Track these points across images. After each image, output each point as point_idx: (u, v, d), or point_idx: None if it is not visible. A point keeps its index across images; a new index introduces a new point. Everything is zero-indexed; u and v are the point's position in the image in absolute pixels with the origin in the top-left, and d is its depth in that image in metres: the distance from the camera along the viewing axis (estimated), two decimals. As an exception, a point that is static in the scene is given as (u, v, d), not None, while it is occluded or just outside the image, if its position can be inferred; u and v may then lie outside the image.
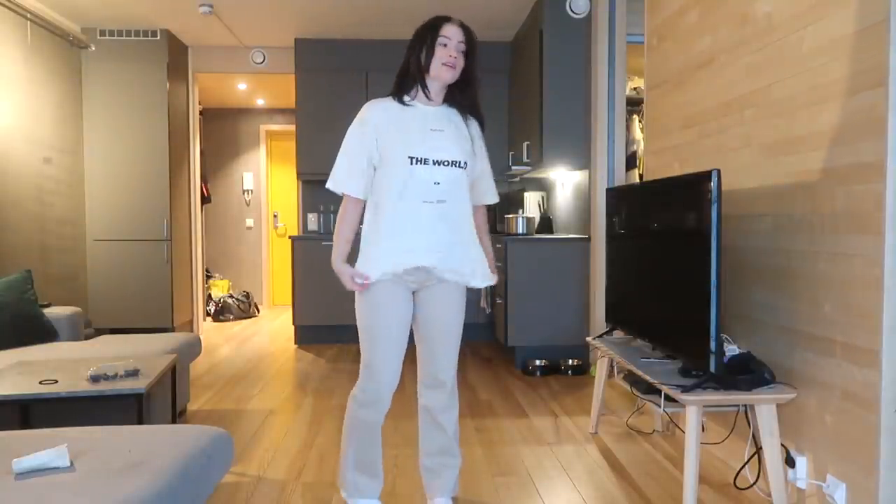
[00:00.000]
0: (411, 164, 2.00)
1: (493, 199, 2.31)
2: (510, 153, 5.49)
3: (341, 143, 2.24)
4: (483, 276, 2.13)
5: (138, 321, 5.38)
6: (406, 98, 2.11)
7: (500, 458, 2.73)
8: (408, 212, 2.01)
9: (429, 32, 2.05)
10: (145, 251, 5.38)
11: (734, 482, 2.44)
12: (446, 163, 2.03)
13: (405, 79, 2.10)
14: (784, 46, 2.15)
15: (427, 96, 2.09)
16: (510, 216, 4.76)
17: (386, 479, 2.51)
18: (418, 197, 2.01)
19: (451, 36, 2.03)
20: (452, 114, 2.13)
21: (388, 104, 2.10)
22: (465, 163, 2.07)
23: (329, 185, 2.13)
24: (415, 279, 2.08)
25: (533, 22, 4.69)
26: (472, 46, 2.07)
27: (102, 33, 5.30)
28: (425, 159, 2.01)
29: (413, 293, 2.15)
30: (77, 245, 5.19)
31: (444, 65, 2.01)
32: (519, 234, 4.66)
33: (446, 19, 2.05)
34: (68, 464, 1.46)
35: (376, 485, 2.19)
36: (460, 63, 2.05)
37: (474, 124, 2.19)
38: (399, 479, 2.51)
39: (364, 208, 2.13)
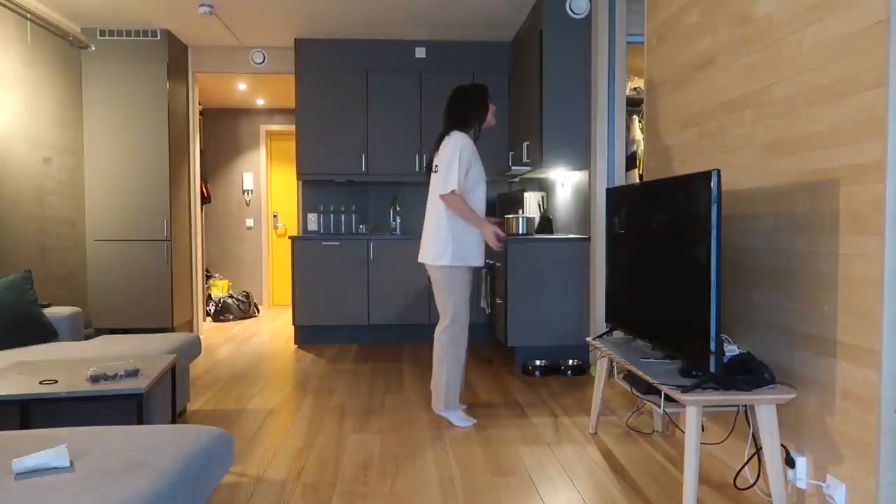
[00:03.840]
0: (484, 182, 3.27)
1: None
2: (510, 153, 5.49)
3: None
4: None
5: (138, 321, 5.38)
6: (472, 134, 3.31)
7: (500, 458, 2.73)
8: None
9: (486, 100, 3.27)
10: (145, 251, 5.38)
11: (734, 482, 2.44)
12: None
13: (474, 123, 3.28)
14: (784, 46, 2.15)
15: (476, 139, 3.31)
16: (510, 216, 4.76)
17: (385, 479, 2.51)
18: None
19: (492, 107, 3.32)
20: None
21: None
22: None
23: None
24: None
25: (533, 22, 4.69)
26: None
27: (102, 33, 5.30)
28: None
29: None
30: (77, 245, 5.20)
31: (490, 127, 3.33)
32: (519, 234, 4.66)
33: (487, 87, 3.32)
34: (68, 464, 1.46)
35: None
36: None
37: None
38: (399, 479, 2.51)
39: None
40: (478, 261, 3.23)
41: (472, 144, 3.19)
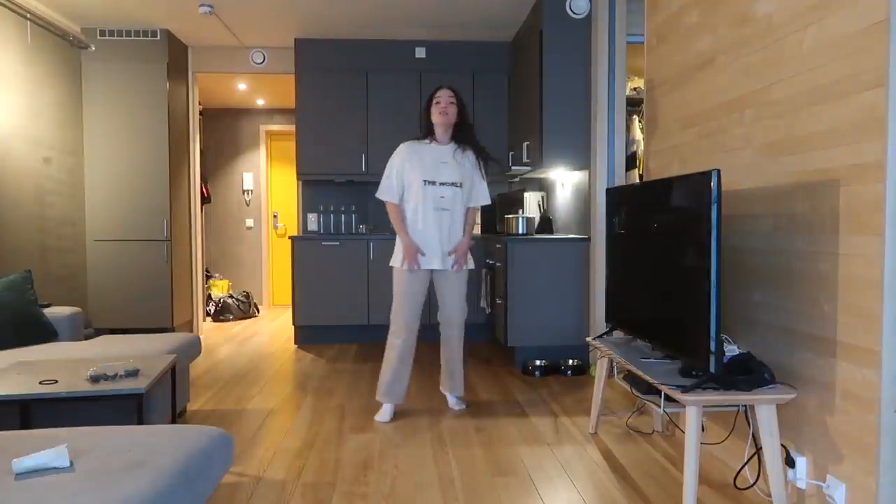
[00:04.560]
0: (424, 184, 3.23)
1: (486, 201, 3.44)
2: (510, 153, 5.49)
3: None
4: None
5: (138, 321, 5.38)
6: (426, 140, 3.32)
7: (500, 458, 2.73)
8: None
9: (429, 99, 3.27)
10: (145, 251, 5.38)
11: (734, 482, 2.44)
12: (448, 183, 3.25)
13: (426, 127, 3.33)
14: (784, 46, 2.15)
15: (438, 139, 3.31)
16: (510, 216, 4.76)
17: (385, 479, 2.51)
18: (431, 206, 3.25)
19: (441, 97, 3.24)
20: (456, 150, 3.30)
21: (411, 145, 3.30)
22: (461, 183, 3.28)
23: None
24: None
25: (533, 22, 4.69)
26: (459, 99, 3.28)
27: (102, 33, 5.30)
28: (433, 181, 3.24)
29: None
30: (77, 245, 5.20)
31: (439, 114, 3.23)
32: (519, 234, 4.66)
33: (438, 88, 3.28)
34: (68, 464, 1.46)
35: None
36: (452, 112, 3.24)
37: (470, 156, 3.34)
38: (399, 479, 2.51)
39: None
40: (413, 264, 3.22)
41: (403, 151, 3.26)
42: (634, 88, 5.01)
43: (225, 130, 7.75)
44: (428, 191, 3.20)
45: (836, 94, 1.90)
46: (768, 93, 2.25)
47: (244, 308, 6.96)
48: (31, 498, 1.30)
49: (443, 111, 3.20)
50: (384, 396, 3.29)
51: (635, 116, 4.84)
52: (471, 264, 3.35)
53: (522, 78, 5.05)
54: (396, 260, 3.27)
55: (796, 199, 2.10)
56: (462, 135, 3.31)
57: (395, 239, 5.27)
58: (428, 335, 5.38)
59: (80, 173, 5.25)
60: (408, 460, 2.71)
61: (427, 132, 3.31)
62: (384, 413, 3.26)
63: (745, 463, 2.40)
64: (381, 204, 5.98)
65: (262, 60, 5.83)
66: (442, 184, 3.21)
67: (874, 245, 1.76)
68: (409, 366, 3.30)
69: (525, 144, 4.89)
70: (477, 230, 5.78)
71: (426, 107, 3.29)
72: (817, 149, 1.99)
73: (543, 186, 5.62)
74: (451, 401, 3.45)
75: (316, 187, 5.94)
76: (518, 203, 5.17)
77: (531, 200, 5.29)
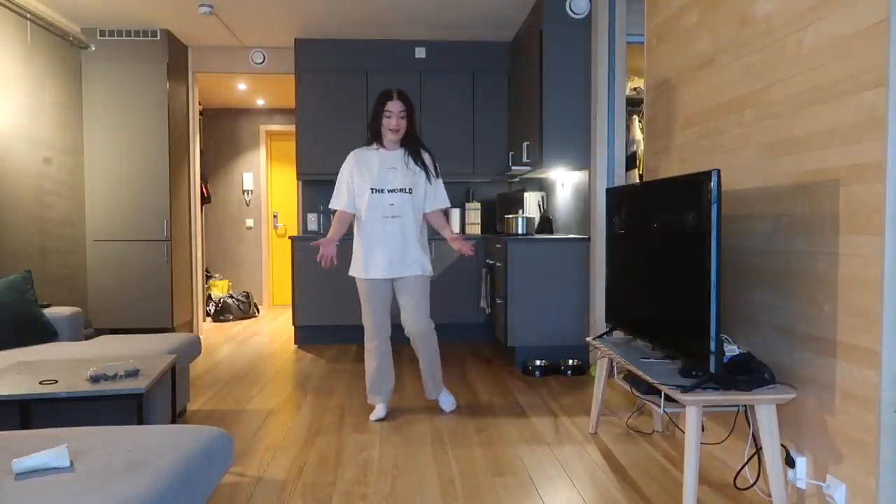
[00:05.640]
0: (371, 193, 3.19)
1: (446, 204, 3.37)
2: (510, 153, 5.49)
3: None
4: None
5: (138, 321, 5.38)
6: (374, 146, 3.27)
7: (500, 458, 2.73)
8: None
9: (379, 106, 3.18)
10: (145, 251, 5.38)
11: (734, 482, 2.44)
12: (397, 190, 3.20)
13: (373, 134, 3.26)
14: (784, 46, 2.15)
15: (385, 146, 3.25)
16: (510, 216, 4.76)
17: (385, 479, 2.51)
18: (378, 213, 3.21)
19: (392, 109, 3.14)
20: (405, 155, 3.24)
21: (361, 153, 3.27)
22: (410, 189, 3.22)
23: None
24: None
25: (533, 22, 4.69)
26: (410, 111, 3.19)
27: (102, 33, 5.30)
28: (381, 189, 3.19)
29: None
30: (77, 245, 5.20)
31: (390, 130, 3.17)
32: (519, 234, 4.66)
33: (389, 96, 3.15)
34: (68, 464, 1.46)
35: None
36: (402, 126, 3.17)
37: (427, 157, 3.29)
38: (399, 479, 2.51)
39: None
40: (363, 273, 3.20)
41: (351, 161, 3.23)
42: (634, 88, 5.01)
43: (225, 130, 7.75)
44: (375, 199, 3.17)
45: (836, 94, 1.90)
46: (768, 93, 2.25)
47: (244, 308, 6.96)
48: (31, 498, 1.30)
49: (395, 129, 3.15)
50: (373, 397, 3.34)
51: (635, 116, 4.84)
52: (428, 270, 3.26)
53: (522, 78, 5.05)
54: (355, 269, 3.26)
55: (796, 199, 2.10)
56: (411, 142, 3.25)
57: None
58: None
59: (80, 173, 5.25)
60: (408, 460, 2.71)
61: (374, 138, 3.25)
62: (377, 412, 3.30)
63: (745, 463, 2.40)
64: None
65: (262, 60, 5.83)
66: (390, 191, 3.17)
67: (874, 245, 1.76)
68: (389, 365, 3.32)
69: (525, 144, 4.89)
70: (477, 230, 5.78)
71: (374, 113, 3.20)
72: (817, 149, 1.99)
73: (543, 186, 5.62)
74: (442, 403, 3.42)
75: (316, 187, 5.94)
76: (518, 203, 5.17)
77: (531, 200, 5.29)
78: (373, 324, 3.26)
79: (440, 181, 3.35)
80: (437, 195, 3.32)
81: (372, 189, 3.18)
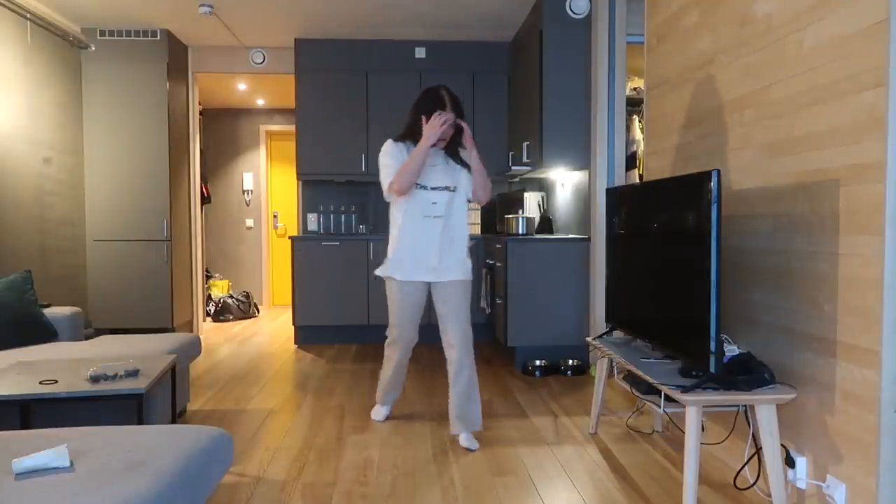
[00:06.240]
0: (416, 188, 2.88)
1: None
2: (510, 153, 5.49)
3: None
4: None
5: (138, 321, 5.38)
6: (408, 143, 2.93)
7: (500, 458, 2.73)
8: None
9: (428, 109, 2.82)
10: (145, 251, 5.38)
11: (734, 482, 2.44)
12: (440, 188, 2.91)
13: (413, 132, 2.90)
14: (784, 46, 2.15)
15: None
16: (510, 216, 4.76)
17: (385, 479, 2.51)
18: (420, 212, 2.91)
19: (445, 120, 2.79)
20: (445, 154, 2.95)
21: (402, 146, 2.94)
22: (455, 187, 2.92)
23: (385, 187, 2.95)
24: None
25: (533, 22, 4.69)
26: (459, 113, 2.85)
27: (102, 33, 5.30)
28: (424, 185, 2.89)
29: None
30: (77, 245, 5.19)
31: (440, 140, 2.86)
32: (519, 234, 4.66)
33: (441, 105, 2.81)
34: (68, 464, 1.46)
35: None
36: (448, 134, 2.86)
37: (464, 157, 2.97)
38: (399, 479, 2.51)
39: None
40: (398, 273, 2.92)
41: (394, 150, 2.91)
42: (634, 88, 5.01)
43: (225, 130, 7.75)
44: (418, 196, 2.88)
45: (836, 94, 1.90)
46: (768, 93, 2.25)
47: (244, 308, 6.96)
48: (31, 498, 1.30)
49: (443, 139, 2.87)
50: (380, 400, 3.28)
51: (635, 116, 4.84)
52: (471, 275, 2.96)
53: (522, 78, 5.05)
54: (385, 269, 2.98)
55: (796, 199, 2.10)
56: (452, 143, 2.96)
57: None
58: (427, 336, 5.38)
59: (80, 173, 5.25)
60: (408, 460, 2.71)
61: (410, 136, 2.92)
62: (378, 413, 3.27)
63: (745, 463, 2.40)
64: (381, 204, 5.99)
65: (262, 60, 5.83)
66: (433, 188, 2.89)
67: (874, 245, 1.76)
68: (403, 374, 3.20)
69: (525, 144, 4.89)
70: (477, 230, 5.78)
71: (420, 111, 2.86)
72: (817, 149, 1.99)
73: (543, 186, 5.62)
74: (464, 439, 2.88)
75: (316, 187, 5.94)
76: (518, 203, 5.17)
77: (531, 200, 5.29)
78: (400, 333, 3.01)
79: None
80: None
81: (416, 185, 2.88)
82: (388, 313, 3.14)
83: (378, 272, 3.02)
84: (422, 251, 2.90)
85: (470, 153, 2.89)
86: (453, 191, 2.92)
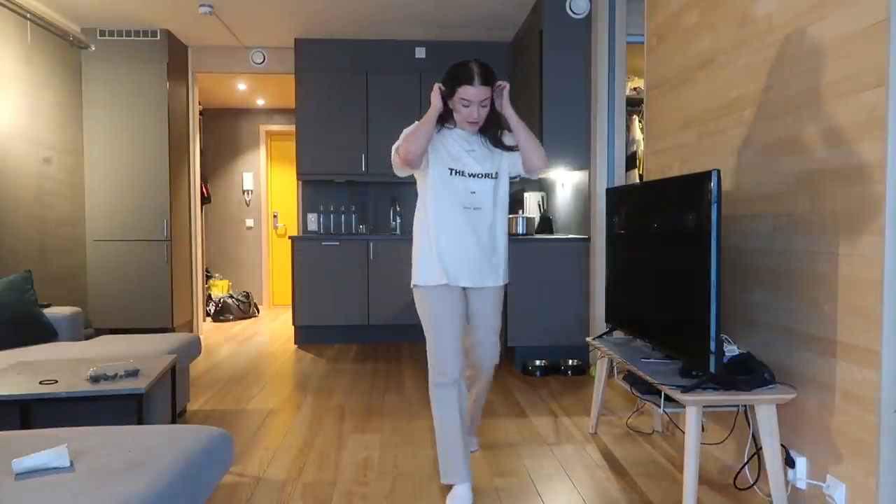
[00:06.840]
0: (450, 174, 2.40)
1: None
2: (510, 153, 5.48)
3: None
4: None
5: (138, 321, 5.38)
6: (447, 125, 2.47)
7: (500, 458, 2.73)
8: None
9: (453, 88, 2.37)
10: (145, 251, 5.38)
11: (734, 482, 2.44)
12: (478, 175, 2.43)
13: (445, 114, 2.44)
14: (784, 46, 2.15)
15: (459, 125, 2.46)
16: (510, 216, 4.76)
17: (385, 479, 2.51)
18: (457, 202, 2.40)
19: (471, 99, 2.35)
20: (482, 136, 2.49)
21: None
22: (496, 174, 2.46)
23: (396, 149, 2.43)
24: None
25: (533, 22, 4.69)
26: (493, 91, 2.42)
27: (102, 33, 5.30)
28: (461, 171, 2.41)
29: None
30: (77, 245, 5.19)
31: (468, 122, 2.40)
32: (519, 234, 4.66)
33: (468, 79, 2.34)
34: (68, 464, 1.46)
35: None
36: (483, 115, 2.41)
37: (508, 137, 2.53)
38: (399, 479, 2.51)
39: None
40: (437, 277, 2.36)
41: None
42: (634, 88, 5.01)
43: (225, 130, 7.75)
44: (455, 183, 2.37)
45: (836, 94, 1.90)
46: (768, 93, 2.25)
47: (244, 308, 6.96)
48: (31, 498, 1.30)
49: (474, 121, 2.39)
50: (453, 475, 2.30)
51: (635, 116, 4.84)
52: (507, 277, 2.53)
53: (522, 78, 5.05)
54: (418, 276, 2.40)
55: (796, 199, 2.10)
56: (492, 126, 2.50)
57: (392, 239, 5.28)
58: (421, 335, 5.37)
59: (80, 173, 5.25)
60: (408, 460, 2.71)
61: (449, 118, 2.46)
62: (461, 497, 2.26)
63: (745, 463, 2.40)
64: (381, 204, 5.99)
65: (262, 60, 5.83)
66: (472, 175, 2.39)
67: (874, 245, 1.76)
68: (464, 419, 2.34)
69: (525, 144, 4.88)
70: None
71: (448, 88, 2.38)
72: (817, 149, 1.99)
73: (543, 186, 5.62)
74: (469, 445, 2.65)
75: (316, 187, 5.94)
76: (518, 203, 5.17)
77: (531, 200, 5.29)
78: (447, 356, 2.31)
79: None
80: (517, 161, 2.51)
81: (451, 170, 2.38)
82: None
83: (415, 281, 2.42)
84: (463, 250, 2.38)
85: (510, 118, 2.45)
86: (495, 178, 2.44)
